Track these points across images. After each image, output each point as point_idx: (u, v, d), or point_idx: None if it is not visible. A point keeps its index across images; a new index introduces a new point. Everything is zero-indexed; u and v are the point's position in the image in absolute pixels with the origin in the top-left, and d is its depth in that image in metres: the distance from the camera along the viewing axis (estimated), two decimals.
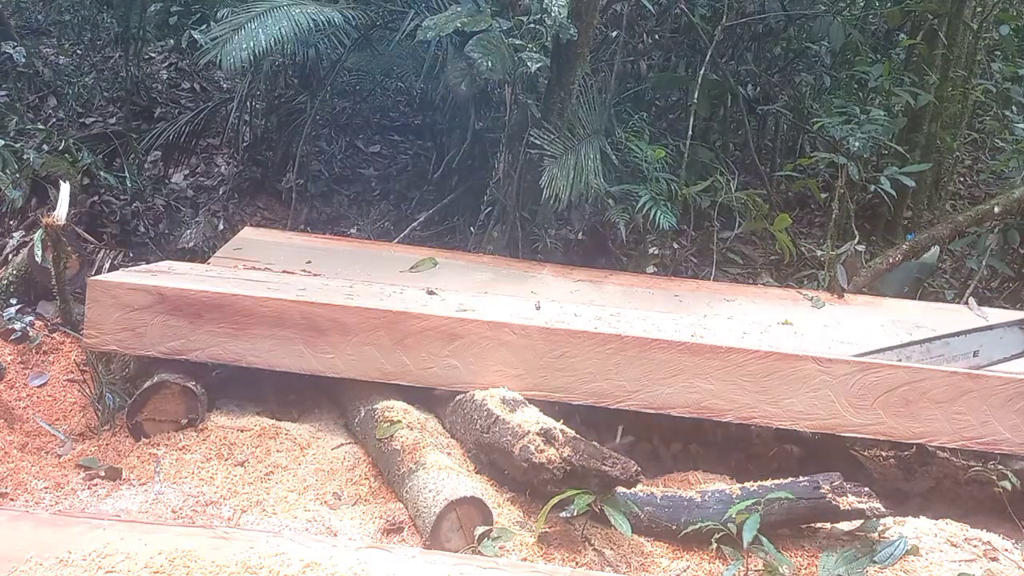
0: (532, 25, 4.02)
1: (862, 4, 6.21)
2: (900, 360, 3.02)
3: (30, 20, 6.78)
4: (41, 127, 5.00)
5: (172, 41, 6.50)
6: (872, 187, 4.65)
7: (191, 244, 4.68)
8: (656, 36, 5.55)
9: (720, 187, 4.65)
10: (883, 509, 2.51)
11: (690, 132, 4.75)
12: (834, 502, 2.49)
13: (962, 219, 4.79)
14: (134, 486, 2.67)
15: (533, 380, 2.99)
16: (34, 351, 3.39)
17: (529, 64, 3.96)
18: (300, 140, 5.32)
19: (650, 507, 2.57)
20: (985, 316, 3.64)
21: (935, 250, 4.76)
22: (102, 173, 4.68)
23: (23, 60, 5.38)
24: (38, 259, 3.52)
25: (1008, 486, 3.04)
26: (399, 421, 2.82)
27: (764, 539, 2.35)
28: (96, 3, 6.82)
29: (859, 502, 2.49)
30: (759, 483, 2.62)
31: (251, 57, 4.21)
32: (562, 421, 2.68)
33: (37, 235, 3.55)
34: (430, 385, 3.03)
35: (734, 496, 2.56)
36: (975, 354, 3.06)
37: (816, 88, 5.84)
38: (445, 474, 2.55)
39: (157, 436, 2.91)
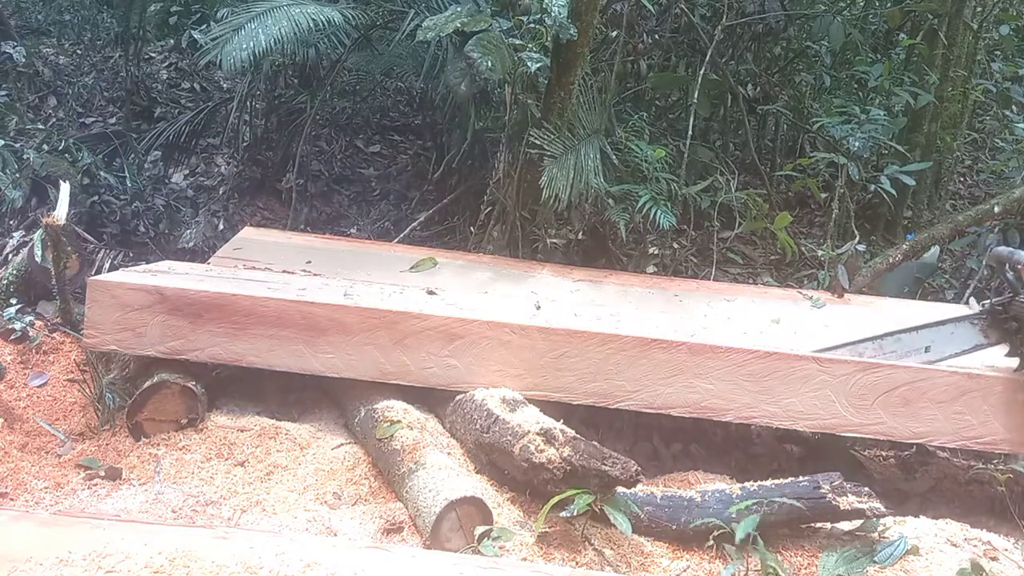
0: (532, 25, 4.02)
1: (862, 4, 6.21)
2: (852, 356, 3.01)
3: (30, 20, 6.78)
4: (41, 127, 5.00)
5: (172, 41, 6.51)
6: (872, 187, 4.65)
7: (191, 244, 4.69)
8: (656, 36, 5.55)
9: (720, 187, 4.66)
10: (883, 509, 2.51)
11: (690, 132, 4.75)
12: (834, 502, 2.49)
13: (962, 219, 4.79)
14: (134, 486, 2.67)
15: (533, 380, 2.99)
16: (34, 351, 3.39)
17: (529, 64, 3.95)
18: (300, 140, 5.32)
19: (650, 507, 2.57)
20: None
21: (935, 250, 4.76)
22: (102, 173, 4.69)
23: (23, 60, 5.39)
24: (38, 259, 3.52)
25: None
26: (399, 421, 2.82)
27: (760, 540, 2.35)
28: (96, 3, 6.83)
29: (859, 502, 2.49)
30: (759, 483, 2.62)
31: (251, 57, 4.22)
32: (562, 421, 2.68)
33: (37, 235, 3.55)
34: (430, 385, 3.03)
35: (734, 496, 2.56)
36: (927, 350, 3.04)
37: (816, 88, 5.84)
38: (445, 474, 2.54)
39: (157, 436, 2.91)
